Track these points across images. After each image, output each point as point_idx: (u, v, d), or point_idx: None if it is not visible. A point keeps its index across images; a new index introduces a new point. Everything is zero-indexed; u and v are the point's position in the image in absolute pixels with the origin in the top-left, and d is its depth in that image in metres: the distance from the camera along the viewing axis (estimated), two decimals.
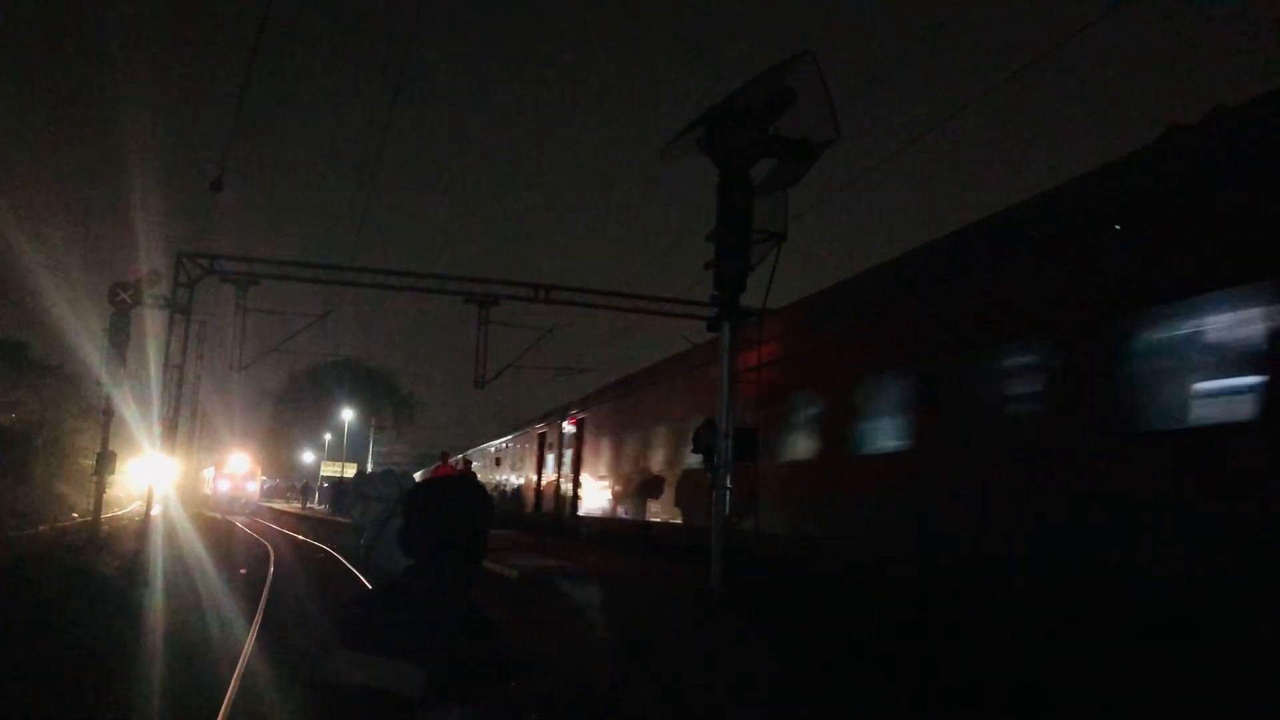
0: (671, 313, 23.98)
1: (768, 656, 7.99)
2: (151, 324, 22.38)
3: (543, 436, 26.51)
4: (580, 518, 22.76)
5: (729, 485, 10.03)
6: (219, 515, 40.67)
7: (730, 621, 9.14)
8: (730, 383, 10.22)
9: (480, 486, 2.78)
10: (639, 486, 17.99)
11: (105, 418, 21.47)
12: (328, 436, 75.95)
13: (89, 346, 22.81)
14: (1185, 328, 6.48)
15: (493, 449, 35.41)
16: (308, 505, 56.16)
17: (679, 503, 15.62)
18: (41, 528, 24.74)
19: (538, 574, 12.54)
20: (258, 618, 11.82)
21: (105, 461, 21.06)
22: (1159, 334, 6.71)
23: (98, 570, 15.97)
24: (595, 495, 21.60)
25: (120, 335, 20.57)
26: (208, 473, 55.76)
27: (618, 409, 20.80)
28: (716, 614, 9.35)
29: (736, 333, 10.39)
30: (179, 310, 22.38)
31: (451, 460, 24.88)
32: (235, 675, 8.26)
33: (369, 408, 74.49)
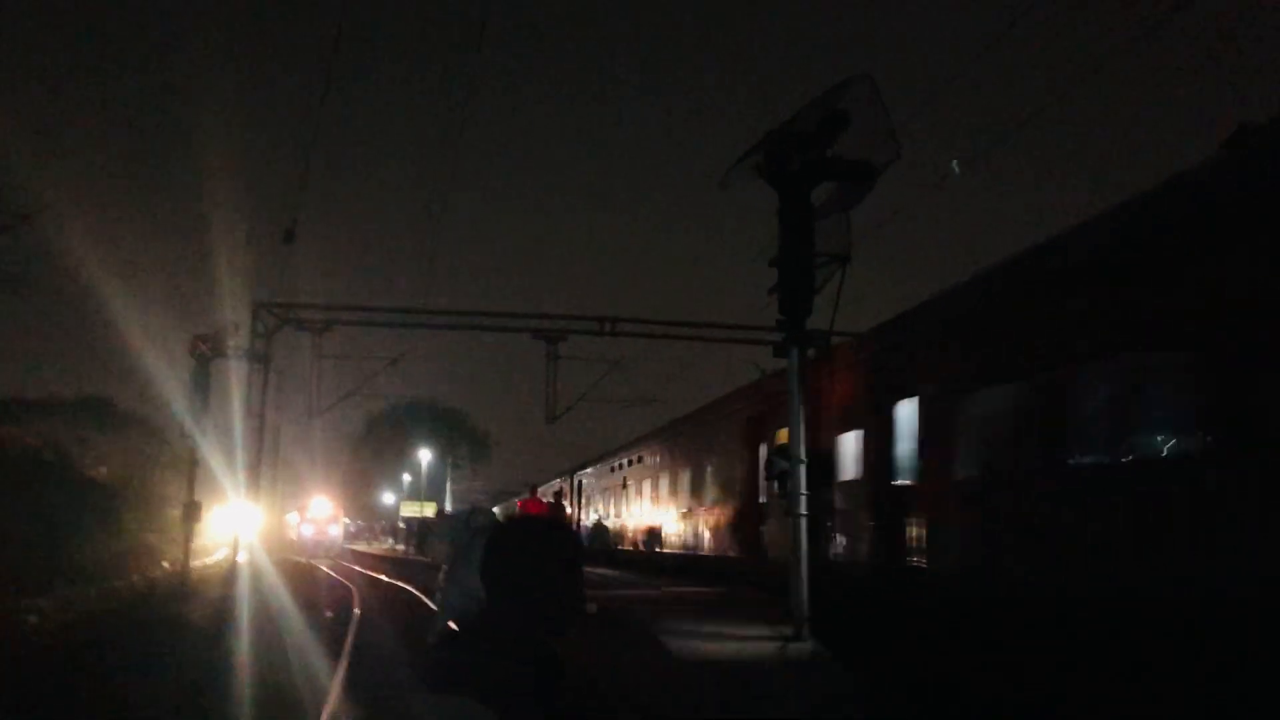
0: (739, 339, 23.87)
1: (854, 692, 7.88)
2: (232, 374, 22.90)
3: (630, 465, 26.59)
4: (662, 550, 22.71)
5: (803, 512, 9.93)
6: (304, 559, 41.28)
7: (813, 658, 9.02)
8: (800, 407, 10.14)
9: (567, 529, 2.72)
10: (724, 516, 17.93)
11: (190, 468, 21.99)
12: (406, 476, 76.91)
13: (173, 398, 23.40)
14: None
15: (572, 482, 35.49)
16: (404, 548, 56.38)
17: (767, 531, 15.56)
18: (134, 578, 25.35)
19: (620, 605, 12.53)
20: (344, 660, 11.96)
21: (192, 511, 21.57)
22: None
23: (188, 618, 16.31)
24: (676, 525, 21.53)
25: (202, 386, 21.10)
26: (291, 518, 56.68)
27: (697, 436, 20.83)
28: (797, 648, 9.24)
29: (804, 357, 10.33)
30: (257, 360, 22.88)
31: (540, 492, 24.82)
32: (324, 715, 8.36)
33: (445, 447, 75.36)
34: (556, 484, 37.41)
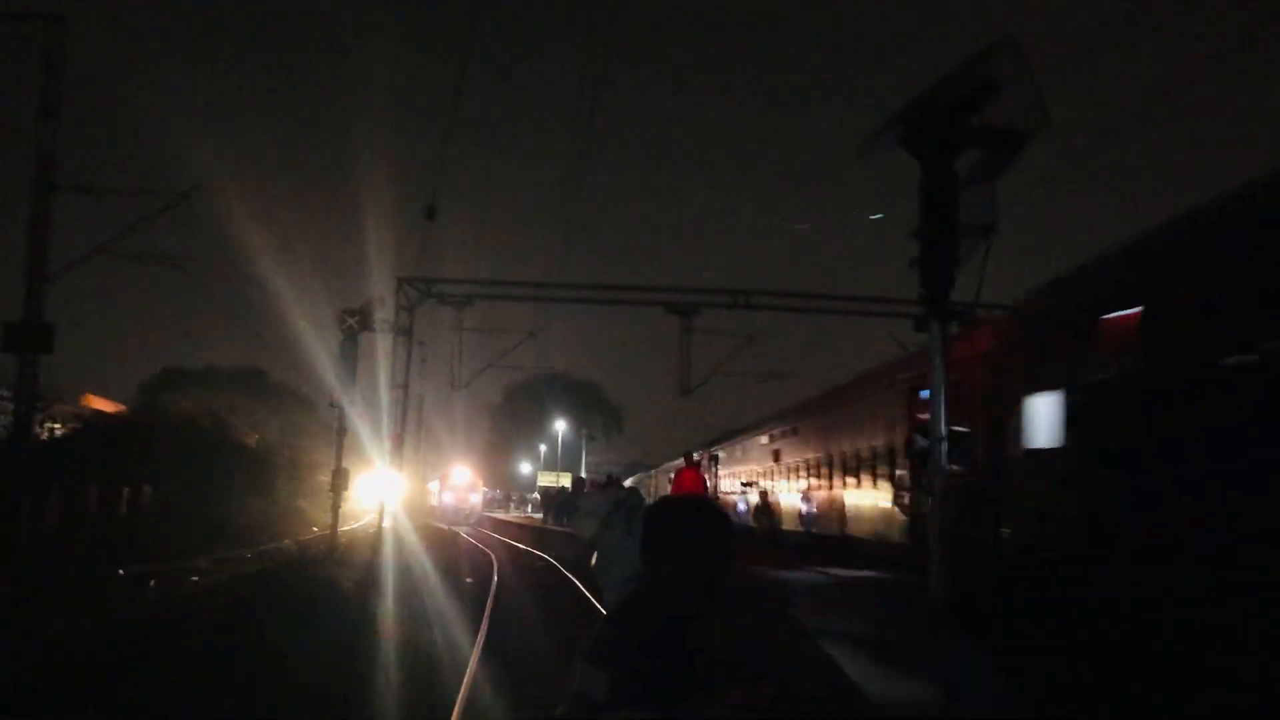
0: (877, 312, 23.41)
1: (989, 667, 7.68)
2: (378, 347, 23.66)
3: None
4: (817, 532, 22.36)
5: (941, 492, 9.70)
6: (445, 526, 42.51)
7: (951, 633, 8.82)
8: (943, 383, 9.89)
9: (718, 513, 2.72)
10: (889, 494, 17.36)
11: (339, 437, 22.84)
12: (543, 447, 78.35)
13: (322, 370, 24.31)
14: None
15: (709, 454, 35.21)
16: (540, 517, 57.37)
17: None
18: (286, 541, 26.56)
19: (762, 583, 12.52)
20: (484, 625, 12.28)
21: (340, 478, 22.43)
22: None
23: (337, 580, 16.98)
24: (839, 503, 21.06)
25: (349, 358, 21.84)
26: (433, 485, 58.32)
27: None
28: (937, 624, 9.04)
29: (947, 331, 10.04)
30: (401, 333, 23.56)
31: (696, 457, 24.61)
32: (465, 680, 8.59)
33: (580, 419, 76.46)
34: (695, 457, 37.40)
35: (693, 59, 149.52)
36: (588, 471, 65.83)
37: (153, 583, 15.36)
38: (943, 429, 9.74)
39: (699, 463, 24.30)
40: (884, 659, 8.01)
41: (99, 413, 30.05)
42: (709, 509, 2.71)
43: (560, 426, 71.33)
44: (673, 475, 40.00)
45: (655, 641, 2.37)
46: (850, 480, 19.91)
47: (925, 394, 13.80)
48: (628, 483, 38.58)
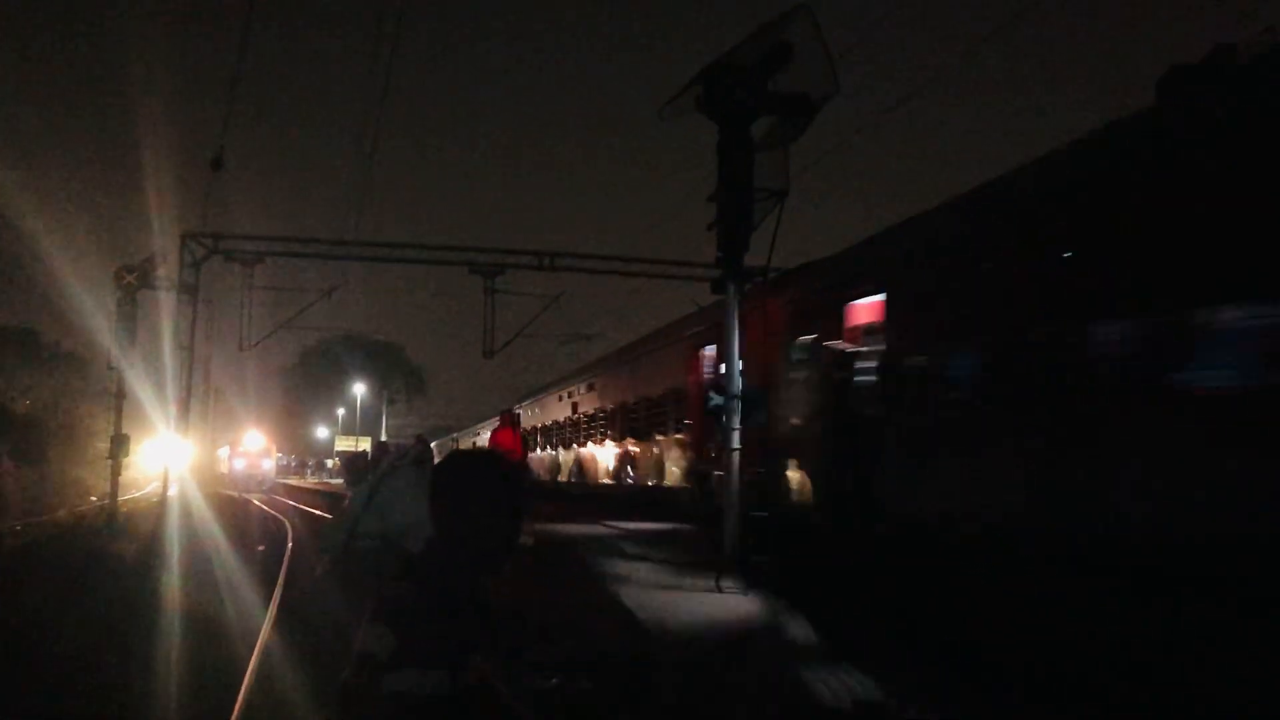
0: (677, 275, 23.81)
1: (781, 621, 8.03)
2: (163, 307, 22.35)
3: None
4: (610, 482, 22.71)
5: (738, 446, 10.02)
6: (236, 493, 40.88)
7: (742, 585, 9.14)
8: (737, 343, 10.18)
9: (513, 466, 2.69)
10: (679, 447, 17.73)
11: (116, 401, 21.56)
12: (341, 411, 76.29)
13: (99, 331, 22.86)
14: None
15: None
16: (340, 482, 56.06)
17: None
18: (60, 512, 24.96)
19: (557, 539, 12.57)
20: (277, 592, 11.90)
21: (119, 444, 21.18)
22: None
23: (116, 552, 16.08)
24: (609, 460, 21.54)
25: (128, 317, 20.59)
26: (223, 452, 56.02)
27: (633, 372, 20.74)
28: (730, 576, 9.35)
29: (742, 292, 10.34)
30: (185, 291, 22.35)
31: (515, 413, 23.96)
32: (256, 649, 8.32)
33: (380, 381, 74.78)
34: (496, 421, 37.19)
35: (491, 11, 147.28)
36: (389, 435, 64.63)
37: None
38: (736, 388, 10.03)
39: (518, 418, 24.02)
40: (677, 606, 8.24)
41: None
42: (500, 464, 2.69)
43: (359, 389, 69.53)
44: (477, 439, 39.62)
45: (444, 600, 2.36)
46: (643, 435, 20.31)
47: (711, 349, 14.37)
48: (433, 444, 38.00)
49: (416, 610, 2.32)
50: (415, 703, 2.25)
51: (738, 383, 10.09)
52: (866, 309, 11.06)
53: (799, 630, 7.77)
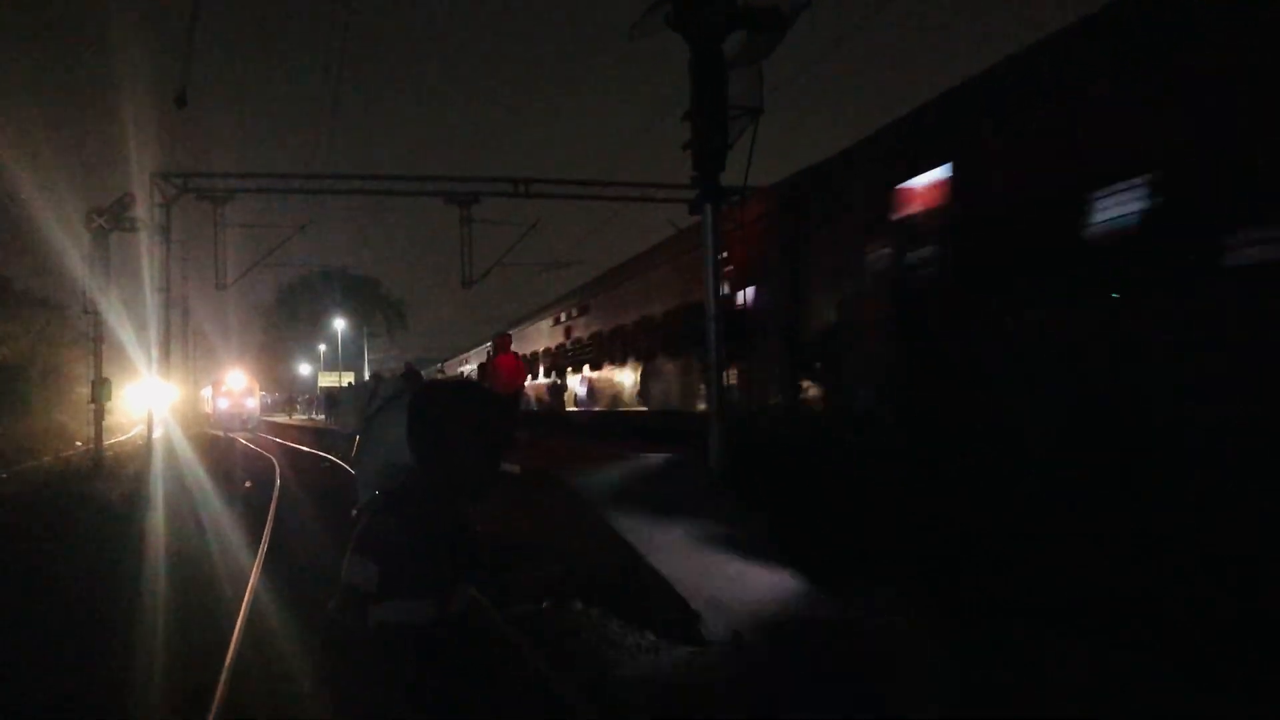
0: (655, 198, 23.60)
1: (763, 527, 8.18)
2: (141, 248, 22.06)
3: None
4: (579, 411, 22.75)
5: (717, 365, 10.06)
6: (221, 433, 40.89)
7: (729, 497, 9.25)
8: (716, 264, 10.15)
9: (491, 396, 2.66)
10: (642, 374, 17.65)
11: (95, 345, 21.42)
12: (322, 347, 76.02)
13: (75, 275, 22.57)
14: None
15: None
16: (324, 418, 55.89)
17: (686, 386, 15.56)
18: (45, 459, 24.91)
19: (545, 466, 12.64)
20: (267, 528, 11.97)
21: (100, 388, 21.08)
22: None
23: (103, 496, 16.09)
24: (597, 387, 21.48)
25: (101, 260, 20.37)
26: (206, 392, 55.87)
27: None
28: (715, 491, 9.45)
29: (719, 212, 10.28)
30: (158, 232, 22.06)
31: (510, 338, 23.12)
32: (248, 588, 8.38)
33: (360, 316, 74.39)
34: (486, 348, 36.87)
35: None
36: (371, 369, 64.52)
37: None
38: (713, 308, 10.04)
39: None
40: (667, 521, 8.33)
41: None
42: (480, 393, 2.68)
43: (339, 325, 69.19)
44: (465, 367, 39.22)
45: (427, 530, 2.37)
46: (637, 358, 20.10)
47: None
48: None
49: (400, 542, 2.33)
50: (402, 633, 2.27)
51: (714, 303, 10.09)
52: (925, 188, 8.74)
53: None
